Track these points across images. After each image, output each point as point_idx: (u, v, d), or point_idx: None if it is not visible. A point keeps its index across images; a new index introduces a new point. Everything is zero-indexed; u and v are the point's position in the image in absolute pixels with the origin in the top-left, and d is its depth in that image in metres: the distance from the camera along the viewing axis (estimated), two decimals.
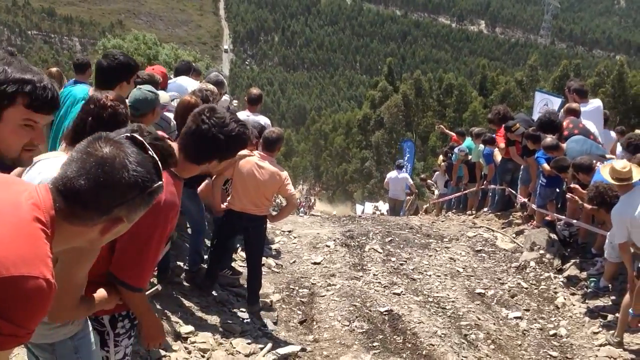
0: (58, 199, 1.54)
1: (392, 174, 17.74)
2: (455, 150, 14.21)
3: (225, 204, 6.38)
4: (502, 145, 10.93)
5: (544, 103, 12.44)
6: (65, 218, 1.55)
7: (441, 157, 18.41)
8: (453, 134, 17.11)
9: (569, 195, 8.20)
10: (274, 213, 6.97)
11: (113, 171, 1.54)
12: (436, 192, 18.12)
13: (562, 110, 9.83)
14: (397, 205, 17.66)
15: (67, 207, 1.54)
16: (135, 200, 1.60)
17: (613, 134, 10.38)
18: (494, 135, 11.61)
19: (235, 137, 3.11)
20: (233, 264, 7.54)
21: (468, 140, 14.14)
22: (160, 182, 1.66)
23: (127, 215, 1.63)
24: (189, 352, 5.13)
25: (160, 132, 3.17)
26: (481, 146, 12.31)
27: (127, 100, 4.97)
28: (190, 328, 5.49)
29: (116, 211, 1.59)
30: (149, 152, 1.69)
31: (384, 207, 36.07)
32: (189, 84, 7.74)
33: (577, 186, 7.86)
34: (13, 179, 1.68)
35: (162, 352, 4.75)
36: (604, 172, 6.36)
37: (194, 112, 3.18)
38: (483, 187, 12.84)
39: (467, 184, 14.03)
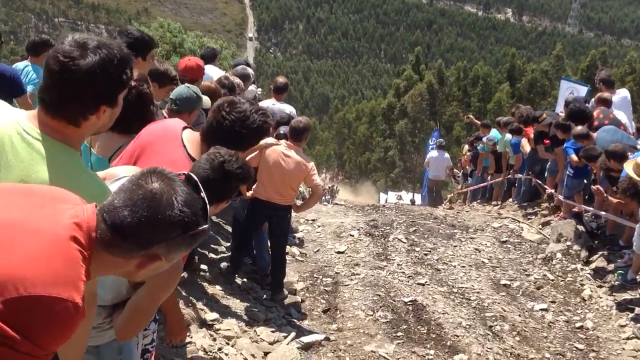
0: (101, 226, 1.52)
1: (434, 154, 17.40)
2: (484, 139, 14.06)
3: (250, 192, 6.39)
4: (528, 147, 10.86)
5: (570, 91, 12.29)
6: (104, 246, 1.52)
7: (466, 147, 18.26)
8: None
9: (593, 187, 8.09)
10: (299, 203, 6.97)
11: (158, 207, 1.50)
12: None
13: (592, 100, 9.70)
14: (437, 186, 17.44)
15: (109, 235, 1.51)
16: (176, 240, 1.56)
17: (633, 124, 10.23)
18: (521, 126, 11.50)
19: (257, 128, 3.10)
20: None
21: (494, 131, 14.01)
22: (205, 226, 1.61)
23: (166, 254, 1.59)
24: (214, 339, 5.15)
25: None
26: (508, 136, 12.17)
27: (171, 94, 5.00)
28: (215, 315, 5.51)
29: (155, 248, 1.55)
30: (201, 193, 1.65)
31: (406, 196, 35.99)
32: (215, 73, 7.74)
33: (599, 188, 7.77)
34: (63, 195, 1.65)
35: (188, 339, 4.77)
36: (627, 168, 6.27)
37: (214, 107, 3.16)
38: (509, 177, 12.71)
39: (492, 174, 13.89)
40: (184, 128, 3.23)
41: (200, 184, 1.68)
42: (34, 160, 1.96)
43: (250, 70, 8.16)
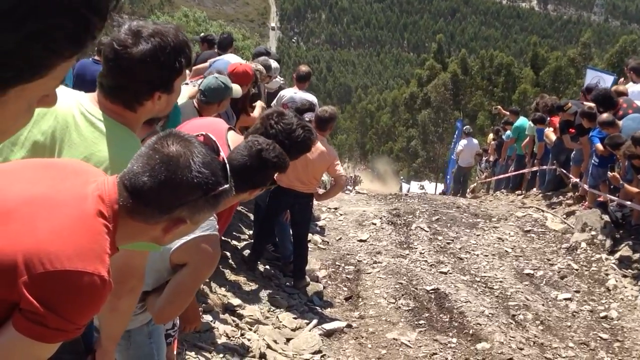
0: (123, 194, 1.53)
1: (464, 142, 17.38)
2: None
3: None
4: (553, 136, 10.76)
5: (597, 81, 12.11)
6: (128, 213, 1.53)
7: (491, 136, 18.14)
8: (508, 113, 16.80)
9: (610, 174, 7.99)
10: (321, 192, 6.98)
11: (177, 170, 1.51)
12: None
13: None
14: (466, 174, 17.57)
15: (131, 202, 1.52)
16: (198, 202, 1.56)
17: None
18: (544, 115, 11.40)
19: (300, 143, 3.16)
20: None
21: (522, 119, 13.90)
22: (226, 186, 1.60)
23: (190, 217, 1.59)
24: (237, 325, 5.19)
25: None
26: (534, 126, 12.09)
27: (200, 85, 5.03)
28: (238, 301, 5.56)
29: (178, 211, 1.55)
30: (220, 154, 1.65)
31: (429, 186, 35.86)
32: (234, 61, 7.74)
33: (616, 174, 7.69)
34: (85, 168, 1.67)
35: (212, 324, 4.82)
36: None
37: (264, 115, 3.22)
38: (535, 168, 12.62)
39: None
40: (229, 129, 3.27)
41: (217, 145, 1.68)
42: (97, 139, 2.04)
43: (273, 63, 8.15)
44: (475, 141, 17.77)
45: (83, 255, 1.39)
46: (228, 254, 6.62)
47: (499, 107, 19.35)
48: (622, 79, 10.49)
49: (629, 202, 8.25)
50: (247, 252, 6.89)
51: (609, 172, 8.09)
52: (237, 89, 5.26)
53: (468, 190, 18.31)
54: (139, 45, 1.98)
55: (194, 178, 1.52)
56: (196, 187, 1.53)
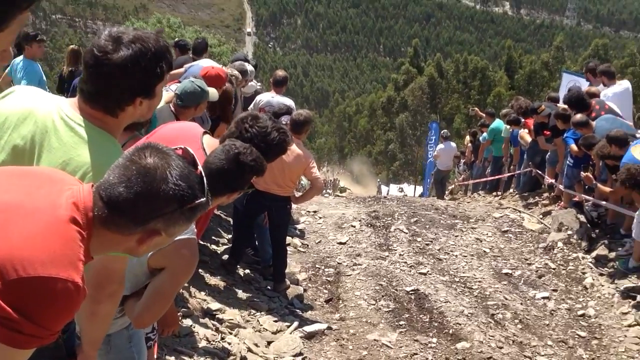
0: (98, 204, 1.52)
1: (442, 146, 17.65)
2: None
3: None
4: (528, 138, 10.90)
5: (573, 84, 12.27)
6: (102, 223, 1.52)
7: (468, 138, 18.30)
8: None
9: (582, 174, 8.11)
10: (298, 194, 6.99)
11: (152, 182, 1.49)
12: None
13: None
14: (445, 177, 17.72)
15: (106, 213, 1.51)
16: (174, 214, 1.55)
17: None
18: (519, 117, 11.55)
19: (276, 145, 3.16)
20: None
21: (497, 121, 14.04)
22: (202, 199, 1.59)
23: (165, 229, 1.58)
24: (217, 329, 5.17)
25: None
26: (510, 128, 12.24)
27: (176, 89, 5.02)
28: (217, 305, 5.54)
29: (153, 223, 1.54)
30: (198, 167, 1.64)
31: (408, 188, 36.04)
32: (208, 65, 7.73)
33: (589, 175, 7.85)
34: (60, 176, 1.66)
35: (192, 328, 4.80)
36: (635, 152, 6.26)
37: (238, 119, 3.22)
38: (511, 173, 12.78)
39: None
40: (204, 133, 3.27)
41: (196, 159, 1.67)
42: (76, 144, 2.02)
43: (248, 66, 8.15)
44: (453, 144, 17.92)
45: (56, 262, 1.38)
46: (207, 258, 6.60)
47: (476, 108, 19.54)
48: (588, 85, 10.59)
49: (604, 202, 8.37)
50: (226, 256, 6.87)
51: (582, 173, 8.20)
52: (213, 92, 5.26)
53: (447, 192, 18.43)
54: (119, 51, 1.98)
55: (170, 190, 1.51)
56: (172, 200, 1.52)
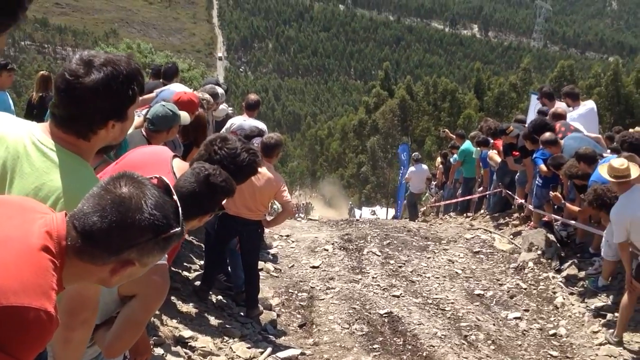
0: (71, 234, 1.50)
1: (413, 169, 17.59)
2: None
3: None
4: (498, 158, 11.03)
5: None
6: (76, 254, 1.51)
7: (439, 159, 18.43)
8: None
9: (551, 194, 8.23)
10: (269, 218, 6.97)
11: (127, 212, 1.49)
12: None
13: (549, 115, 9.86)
14: (417, 199, 17.76)
15: (80, 242, 1.50)
16: (148, 244, 1.54)
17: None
18: (488, 138, 11.69)
19: (246, 167, 3.15)
20: None
21: (467, 143, 14.17)
22: (177, 229, 1.58)
23: (139, 259, 1.57)
24: (189, 358, 5.11)
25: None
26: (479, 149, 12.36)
27: (148, 113, 4.99)
28: (190, 333, 5.47)
29: (127, 253, 1.53)
30: (173, 196, 1.63)
31: (381, 211, 36.13)
32: (179, 90, 7.70)
33: (557, 194, 7.98)
34: (32, 204, 1.65)
35: (164, 357, 4.73)
36: (602, 171, 6.36)
37: (207, 142, 3.21)
38: (481, 194, 12.90)
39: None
40: (174, 157, 3.25)
41: (171, 187, 1.67)
42: (49, 169, 2.00)
43: (219, 89, 8.15)
44: (424, 167, 18.00)
45: (29, 291, 1.37)
46: (179, 285, 6.53)
47: (447, 130, 19.73)
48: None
49: (573, 222, 8.48)
50: (198, 282, 6.80)
51: (550, 192, 8.31)
52: (185, 116, 5.24)
53: (419, 214, 18.49)
54: (91, 74, 1.97)
55: (145, 220, 1.50)
56: (147, 229, 1.51)
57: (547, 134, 8.57)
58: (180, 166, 3.19)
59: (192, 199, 2.77)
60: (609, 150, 8.25)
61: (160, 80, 8.93)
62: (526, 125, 10.56)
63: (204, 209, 2.87)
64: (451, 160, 15.26)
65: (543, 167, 8.81)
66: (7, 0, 0.91)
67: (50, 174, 1.99)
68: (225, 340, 5.80)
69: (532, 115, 11.79)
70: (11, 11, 1.24)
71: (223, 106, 8.56)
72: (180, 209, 1.63)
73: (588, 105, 9.78)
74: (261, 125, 8.31)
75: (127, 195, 1.51)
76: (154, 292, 2.46)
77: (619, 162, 6.18)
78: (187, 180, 2.83)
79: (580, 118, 9.28)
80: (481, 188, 12.98)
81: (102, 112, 2.03)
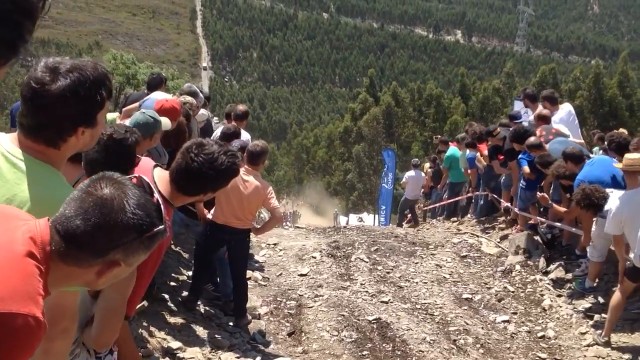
0: (55, 238, 1.50)
1: (411, 173, 16.96)
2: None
3: (209, 215, 6.37)
4: (484, 162, 11.07)
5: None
6: (60, 258, 1.50)
7: (427, 164, 18.39)
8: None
9: (538, 194, 8.27)
10: (258, 226, 6.96)
11: (110, 213, 1.49)
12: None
13: (532, 118, 9.94)
14: (412, 206, 17.23)
15: (64, 247, 1.49)
16: (133, 243, 1.54)
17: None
18: (474, 141, 11.73)
19: (226, 170, 3.13)
20: None
21: (452, 148, 14.19)
22: (161, 227, 1.59)
23: (124, 259, 1.57)
24: None
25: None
26: (467, 151, 12.36)
27: (128, 122, 4.96)
28: (178, 344, 5.44)
29: (112, 254, 1.53)
30: (154, 195, 1.64)
31: (368, 218, 36.10)
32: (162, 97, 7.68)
33: (544, 195, 8.03)
34: (14, 212, 1.64)
35: None
36: (617, 165, 6.55)
37: (183, 149, 3.19)
38: (469, 195, 12.94)
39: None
40: (155, 166, 3.24)
41: (152, 186, 1.67)
42: (19, 180, 1.98)
43: (195, 87, 8.14)
44: (422, 173, 17.53)
45: (16, 297, 1.37)
46: (166, 296, 6.49)
47: (439, 136, 19.75)
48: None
49: (558, 224, 8.53)
50: (185, 293, 6.77)
51: (538, 193, 8.35)
52: (166, 122, 5.22)
53: (419, 219, 18.32)
54: (57, 81, 1.94)
55: (129, 220, 1.51)
56: (131, 229, 1.52)
57: (532, 138, 8.62)
58: (161, 175, 3.17)
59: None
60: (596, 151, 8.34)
61: (145, 91, 8.89)
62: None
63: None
64: (441, 166, 15.26)
65: (526, 168, 8.85)
66: (7, 33, 0.91)
67: (21, 184, 1.97)
68: (214, 351, 5.77)
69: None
70: (11, 44, 1.23)
71: (203, 111, 8.54)
72: (162, 206, 1.63)
73: (565, 108, 9.83)
74: (246, 135, 8.30)
75: (109, 196, 1.51)
76: (124, 277, 2.45)
77: (636, 155, 6.35)
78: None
79: (562, 122, 9.33)
80: (469, 189, 13.00)
81: (70, 119, 2.00)
